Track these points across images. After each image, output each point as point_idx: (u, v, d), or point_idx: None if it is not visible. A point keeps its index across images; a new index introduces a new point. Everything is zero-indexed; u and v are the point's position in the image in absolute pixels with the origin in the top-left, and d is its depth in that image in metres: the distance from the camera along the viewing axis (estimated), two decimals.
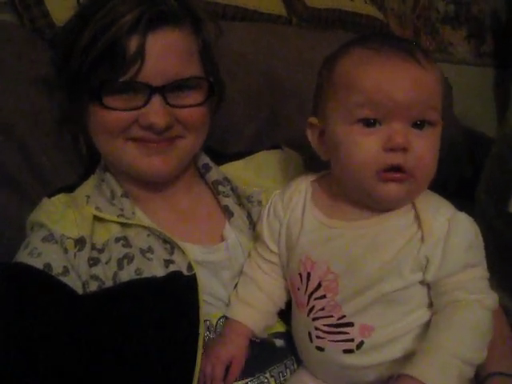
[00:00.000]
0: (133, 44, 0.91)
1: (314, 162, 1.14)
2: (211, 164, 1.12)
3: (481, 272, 0.86)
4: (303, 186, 0.97)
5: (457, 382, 0.78)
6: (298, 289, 0.92)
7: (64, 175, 1.13)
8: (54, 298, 0.91)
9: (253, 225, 1.04)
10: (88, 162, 1.11)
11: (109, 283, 0.93)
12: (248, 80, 1.39)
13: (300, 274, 0.92)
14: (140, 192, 1.04)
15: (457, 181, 1.70)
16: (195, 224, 1.06)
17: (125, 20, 0.91)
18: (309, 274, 0.90)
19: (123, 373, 0.87)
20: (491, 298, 0.84)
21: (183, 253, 0.96)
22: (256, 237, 1.02)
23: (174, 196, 1.07)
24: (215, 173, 1.10)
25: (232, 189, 1.09)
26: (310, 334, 0.91)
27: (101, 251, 0.96)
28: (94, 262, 0.94)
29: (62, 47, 1.02)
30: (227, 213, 1.06)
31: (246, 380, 0.93)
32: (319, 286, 0.89)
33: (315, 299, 0.90)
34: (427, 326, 0.86)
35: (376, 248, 0.86)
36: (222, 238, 1.04)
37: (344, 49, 0.89)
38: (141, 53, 0.91)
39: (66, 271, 0.92)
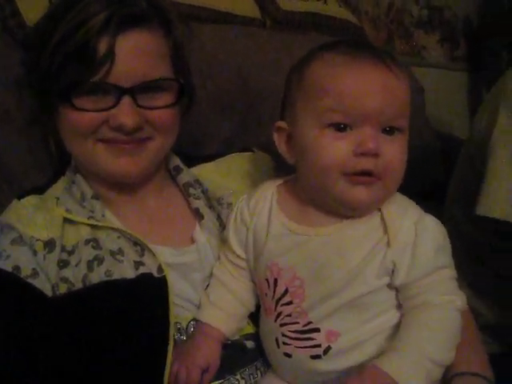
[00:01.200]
0: (102, 45, 0.91)
1: (285, 165, 1.18)
2: (182, 166, 1.12)
3: (449, 273, 0.87)
4: (269, 191, 0.96)
5: (425, 382, 0.79)
6: (266, 294, 0.92)
7: (34, 176, 1.12)
8: (23, 301, 0.90)
9: (223, 227, 1.04)
10: (58, 163, 1.10)
11: (78, 285, 0.92)
12: (221, 82, 1.39)
13: (267, 280, 0.92)
14: (110, 194, 1.04)
15: (430, 184, 1.72)
16: (165, 226, 1.06)
17: (94, 21, 0.91)
18: (276, 280, 0.90)
19: (93, 374, 0.87)
20: (460, 299, 0.85)
21: (153, 255, 0.96)
22: (224, 241, 1.02)
23: (145, 198, 1.06)
24: (186, 175, 1.10)
25: (203, 191, 1.09)
26: (277, 339, 0.91)
27: (71, 253, 0.95)
28: (63, 264, 0.94)
29: (32, 47, 1.01)
30: (198, 215, 1.06)
31: (217, 382, 0.93)
32: (286, 292, 0.89)
33: (282, 305, 0.90)
34: (395, 328, 0.86)
35: (342, 254, 0.86)
36: (193, 240, 1.04)
37: (315, 53, 0.89)
38: (110, 54, 0.91)
39: (35, 273, 0.91)
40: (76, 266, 0.94)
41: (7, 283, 0.91)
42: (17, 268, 0.91)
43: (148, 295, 0.94)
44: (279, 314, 0.90)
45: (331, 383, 0.89)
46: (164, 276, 0.94)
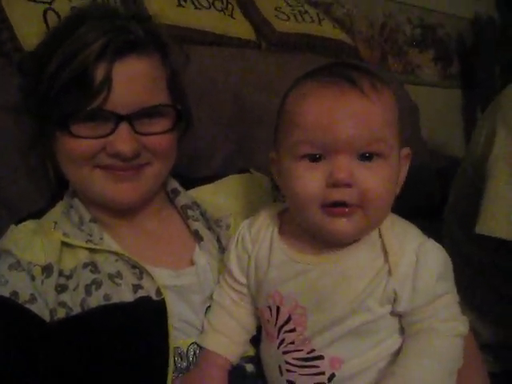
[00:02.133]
0: (99, 72, 0.91)
1: None
2: (180, 189, 1.11)
3: (452, 298, 0.85)
4: (271, 218, 0.95)
5: None
6: (268, 321, 0.91)
7: (32, 201, 1.12)
8: (21, 327, 0.90)
9: (222, 249, 1.04)
10: (56, 187, 1.10)
11: (77, 310, 0.92)
12: (217, 105, 1.39)
13: (269, 307, 0.90)
14: (108, 218, 1.03)
15: (426, 202, 1.72)
16: (164, 248, 1.05)
17: (92, 48, 0.91)
18: (278, 308, 0.89)
19: None
20: (463, 325, 0.84)
21: (152, 278, 0.95)
22: (224, 265, 1.00)
23: (143, 221, 1.06)
24: (184, 197, 1.10)
25: (201, 213, 1.09)
26: (280, 367, 0.89)
27: (69, 278, 0.95)
28: (61, 288, 0.93)
29: (30, 73, 1.01)
30: (197, 237, 1.05)
31: None
32: (289, 319, 0.88)
33: (285, 332, 0.88)
34: (397, 354, 0.85)
35: (344, 283, 0.84)
36: (192, 262, 1.03)
37: (296, 81, 0.88)
38: (107, 81, 0.91)
39: (33, 299, 0.91)
40: (74, 290, 0.93)
41: (5, 309, 0.90)
42: (15, 294, 0.90)
43: (147, 319, 0.93)
44: (282, 341, 0.89)
45: None
46: (163, 299, 0.94)
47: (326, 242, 0.86)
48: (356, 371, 0.85)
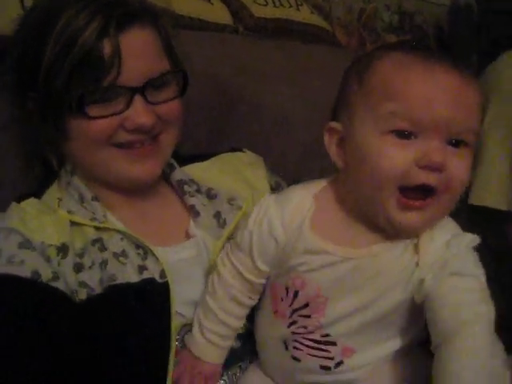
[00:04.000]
0: (107, 49, 0.90)
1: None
2: (175, 164, 1.11)
3: (476, 284, 0.79)
4: (306, 203, 0.87)
5: None
6: (282, 299, 0.88)
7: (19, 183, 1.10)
8: (51, 307, 0.88)
9: (221, 224, 1.04)
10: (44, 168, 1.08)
11: (98, 289, 0.91)
12: (196, 87, 1.38)
13: (287, 288, 0.87)
14: (109, 196, 1.02)
15: None
16: (161, 225, 1.05)
17: (92, 26, 0.90)
18: (296, 292, 0.86)
19: (97, 376, 0.87)
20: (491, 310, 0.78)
21: (156, 259, 0.95)
22: (224, 240, 0.99)
23: (142, 199, 1.06)
24: (179, 173, 1.10)
25: (198, 189, 1.09)
26: (285, 342, 0.88)
27: (81, 256, 0.93)
28: (78, 268, 0.92)
29: (19, 73, 0.99)
30: (193, 212, 1.05)
31: None
32: (306, 305, 0.85)
33: (299, 316, 0.86)
34: (403, 350, 0.85)
35: (376, 277, 0.82)
36: (188, 236, 1.04)
37: (381, 51, 0.83)
38: (117, 57, 0.90)
39: (56, 277, 0.89)
40: (90, 268, 0.92)
41: (30, 290, 0.87)
42: (36, 273, 0.88)
43: (151, 301, 0.93)
44: (294, 322, 0.87)
45: None
46: (166, 281, 0.94)
47: (374, 232, 0.83)
48: (364, 363, 0.85)
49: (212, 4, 1.63)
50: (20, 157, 1.10)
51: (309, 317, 0.85)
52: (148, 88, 0.94)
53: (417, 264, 0.81)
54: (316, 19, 1.87)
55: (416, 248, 0.81)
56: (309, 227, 0.85)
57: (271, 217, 0.88)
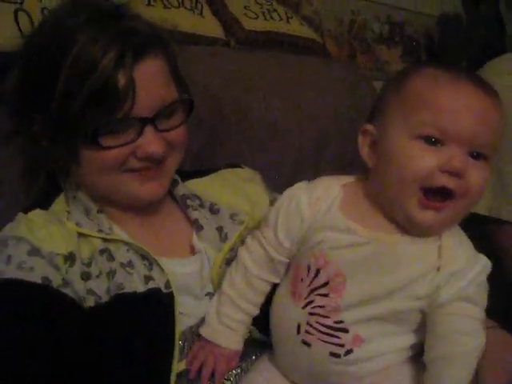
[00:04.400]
0: (122, 81, 0.90)
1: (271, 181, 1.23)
2: (179, 180, 1.14)
3: (479, 312, 0.87)
4: (334, 190, 0.94)
5: None
6: (302, 279, 0.92)
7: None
8: (62, 312, 0.89)
9: (223, 238, 1.07)
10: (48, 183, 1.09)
11: (105, 298, 0.93)
12: None
13: (309, 267, 0.91)
14: (114, 210, 1.04)
15: None
16: (167, 238, 1.08)
17: (108, 58, 0.90)
18: (318, 270, 0.90)
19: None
20: (479, 341, 0.86)
21: (161, 269, 0.98)
22: (226, 253, 1.04)
23: (147, 213, 1.07)
24: (182, 188, 1.13)
25: (201, 204, 1.11)
26: (299, 325, 0.91)
27: (89, 265, 0.95)
28: (86, 276, 0.94)
29: (24, 93, 0.99)
30: (196, 225, 1.08)
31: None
32: (326, 284, 0.89)
33: (317, 295, 0.90)
34: (411, 348, 0.90)
35: (395, 267, 0.87)
36: (192, 250, 1.07)
37: (417, 67, 0.92)
38: (132, 88, 0.91)
39: (65, 283, 0.91)
40: (97, 277, 0.94)
41: (40, 295, 0.89)
42: (46, 279, 0.89)
43: (156, 310, 0.95)
44: (310, 302, 0.90)
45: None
46: (171, 291, 0.96)
47: (388, 225, 0.89)
48: (372, 354, 0.88)
49: (204, 18, 1.66)
50: (22, 169, 1.11)
51: (327, 296, 0.89)
52: (159, 117, 0.96)
53: (438, 269, 0.86)
54: (306, 31, 1.89)
55: (439, 253, 0.87)
56: (338, 207, 0.92)
57: (300, 197, 0.95)
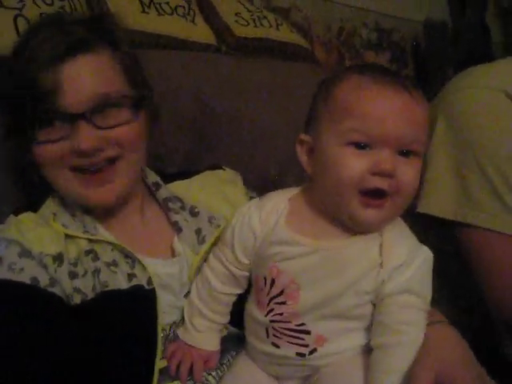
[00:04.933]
0: (49, 77, 0.95)
1: (253, 183, 1.27)
2: (161, 182, 1.17)
3: (422, 304, 0.91)
4: (281, 204, 0.98)
5: None
6: (261, 289, 0.97)
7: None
8: (49, 310, 0.94)
9: (200, 241, 1.10)
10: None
11: (91, 295, 0.97)
12: (180, 103, 1.45)
13: (265, 278, 0.96)
14: (96, 212, 1.07)
15: None
16: (149, 239, 1.11)
17: (42, 56, 0.95)
18: (273, 280, 0.94)
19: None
20: (421, 331, 0.90)
21: (143, 268, 1.01)
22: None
23: (129, 214, 1.10)
24: (165, 191, 1.16)
25: (182, 206, 1.14)
26: (267, 330, 0.96)
27: (75, 265, 0.99)
28: (73, 275, 0.97)
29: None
30: (176, 228, 1.11)
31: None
32: (281, 292, 0.93)
33: (275, 303, 0.94)
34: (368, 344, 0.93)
35: (342, 269, 0.91)
36: (173, 251, 1.10)
37: (342, 74, 0.94)
38: (57, 85, 0.95)
39: (53, 283, 0.95)
40: (83, 276, 0.98)
41: (29, 295, 0.93)
42: (35, 279, 0.93)
43: (139, 306, 0.99)
44: (271, 311, 0.95)
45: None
46: (153, 288, 1.00)
47: (341, 228, 0.92)
48: (335, 351, 0.93)
49: (196, 25, 1.70)
50: (13, 171, 1.16)
51: (284, 303, 0.93)
52: (95, 113, 0.97)
53: (381, 265, 0.90)
54: (295, 38, 1.94)
55: (381, 250, 0.91)
56: (283, 222, 0.96)
57: (251, 215, 0.99)
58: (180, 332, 1.03)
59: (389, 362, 0.88)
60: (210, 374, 1.02)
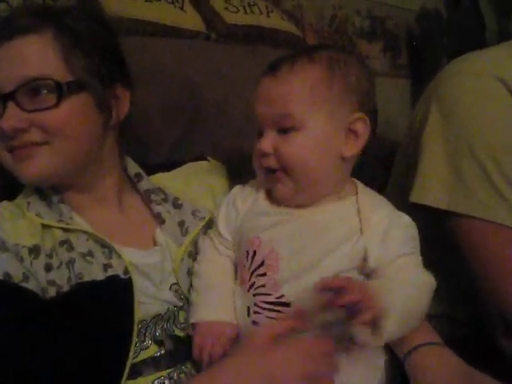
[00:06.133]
0: None
1: (238, 173, 1.24)
2: (143, 174, 1.16)
3: (416, 259, 0.95)
4: (261, 184, 1.03)
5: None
6: (244, 266, 0.98)
7: None
8: (20, 305, 0.92)
9: (184, 232, 1.09)
10: None
11: (66, 287, 0.95)
12: (166, 90, 1.44)
13: (247, 252, 0.97)
14: (74, 199, 1.06)
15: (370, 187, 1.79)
16: (129, 229, 1.10)
17: None
18: (254, 252, 0.96)
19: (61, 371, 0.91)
20: (427, 278, 0.93)
21: (119, 257, 1.00)
22: (185, 247, 1.08)
23: (107, 203, 1.10)
24: (146, 182, 1.15)
25: (165, 198, 1.14)
26: (248, 308, 0.96)
27: (50, 257, 0.97)
28: (48, 267, 0.96)
29: None
30: (159, 219, 1.10)
31: (169, 370, 0.98)
32: (262, 264, 0.95)
33: (257, 276, 0.95)
34: None
35: (320, 235, 0.93)
36: (155, 242, 1.09)
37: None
38: None
39: (26, 277, 0.93)
40: (58, 268, 0.96)
41: (1, 290, 0.92)
42: (7, 275, 0.92)
43: (115, 296, 0.97)
44: (252, 284, 0.96)
45: None
46: (130, 277, 0.98)
47: (316, 197, 0.96)
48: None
49: (185, 12, 1.68)
50: None
51: (265, 275, 0.94)
52: (24, 95, 0.97)
53: (361, 231, 0.92)
54: (286, 25, 1.92)
55: (359, 216, 0.93)
56: (263, 196, 1.01)
57: (236, 195, 1.05)
58: (193, 318, 0.99)
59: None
60: (193, 367, 1.00)
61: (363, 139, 0.95)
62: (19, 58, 0.97)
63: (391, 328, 0.84)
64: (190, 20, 1.68)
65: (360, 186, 1.00)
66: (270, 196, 1.00)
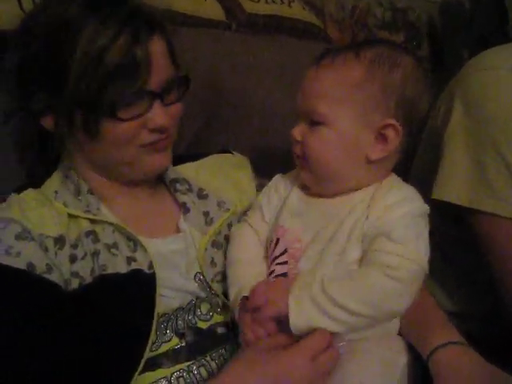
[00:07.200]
0: (139, 55, 0.95)
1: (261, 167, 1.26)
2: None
3: (402, 250, 0.88)
4: (297, 178, 1.05)
5: (316, 315, 0.87)
6: (269, 253, 1.00)
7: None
8: (42, 297, 0.92)
9: (208, 222, 1.11)
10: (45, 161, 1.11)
11: (88, 279, 0.96)
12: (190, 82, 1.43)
13: (271, 240, 1.00)
14: (105, 190, 1.07)
15: None
16: (154, 218, 1.11)
17: (125, 34, 0.94)
18: (278, 240, 0.98)
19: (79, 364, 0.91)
20: (403, 271, 0.88)
21: (145, 250, 1.01)
22: (210, 236, 1.09)
23: (137, 193, 1.11)
24: (172, 172, 1.16)
25: (189, 188, 1.15)
26: None
27: (75, 247, 0.98)
28: (72, 259, 0.96)
29: (29, 77, 1.01)
30: (184, 208, 1.11)
31: (188, 363, 0.99)
32: (285, 251, 0.97)
33: (277, 264, 0.97)
34: None
35: (336, 225, 0.93)
36: (178, 230, 1.10)
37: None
38: (148, 62, 0.96)
39: (49, 269, 0.93)
40: (82, 259, 0.97)
41: (24, 281, 0.92)
42: (31, 265, 0.92)
43: (137, 291, 0.98)
44: (272, 272, 0.98)
45: None
46: (153, 272, 0.99)
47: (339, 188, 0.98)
48: None
49: (205, 1, 1.66)
50: (16, 148, 1.14)
51: (286, 263, 0.96)
52: (165, 92, 1.00)
53: (367, 217, 0.92)
54: (307, 15, 1.90)
55: (369, 202, 0.94)
56: (297, 188, 1.04)
57: (277, 181, 1.09)
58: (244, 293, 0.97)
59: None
60: (213, 360, 1.01)
61: (393, 145, 0.93)
62: (163, 56, 1.01)
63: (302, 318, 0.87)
64: (210, 9, 1.66)
65: (390, 178, 0.98)
66: (304, 186, 1.02)
